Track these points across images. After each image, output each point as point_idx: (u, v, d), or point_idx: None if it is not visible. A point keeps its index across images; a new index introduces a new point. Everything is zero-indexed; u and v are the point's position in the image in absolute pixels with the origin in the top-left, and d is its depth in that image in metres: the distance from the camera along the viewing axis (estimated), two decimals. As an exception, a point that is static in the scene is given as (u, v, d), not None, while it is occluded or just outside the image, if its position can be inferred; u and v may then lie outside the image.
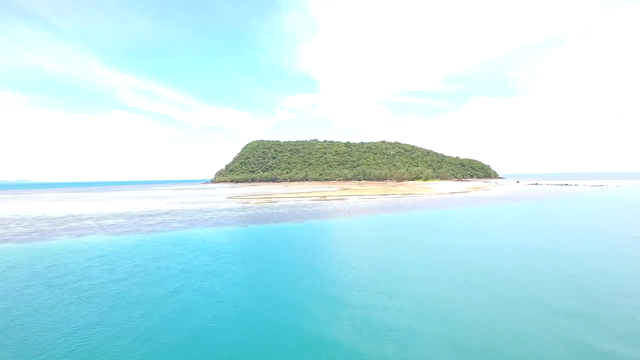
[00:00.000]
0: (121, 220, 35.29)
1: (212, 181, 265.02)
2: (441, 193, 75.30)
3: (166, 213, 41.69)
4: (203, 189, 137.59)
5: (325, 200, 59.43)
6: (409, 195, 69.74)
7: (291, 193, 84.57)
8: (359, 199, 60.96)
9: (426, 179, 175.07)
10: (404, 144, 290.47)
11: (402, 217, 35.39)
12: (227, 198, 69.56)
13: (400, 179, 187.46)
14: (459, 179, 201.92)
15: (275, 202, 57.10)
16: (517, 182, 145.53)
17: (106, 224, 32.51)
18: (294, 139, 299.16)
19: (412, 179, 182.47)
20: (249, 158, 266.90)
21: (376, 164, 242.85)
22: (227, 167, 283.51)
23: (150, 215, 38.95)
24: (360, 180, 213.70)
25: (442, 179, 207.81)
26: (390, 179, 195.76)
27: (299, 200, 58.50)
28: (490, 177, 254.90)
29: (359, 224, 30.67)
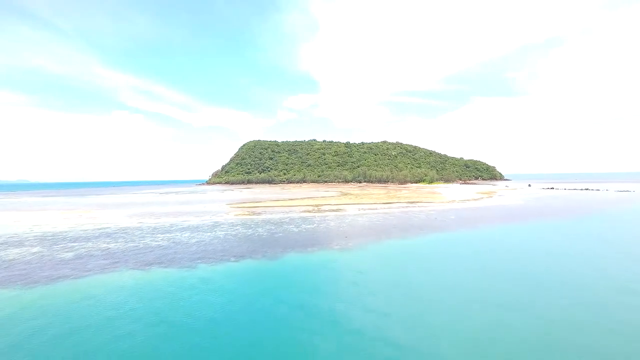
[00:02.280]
0: (21, 250, 25.79)
1: (207, 182, 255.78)
2: (452, 201, 65.79)
3: (112, 233, 32.24)
4: (192, 192, 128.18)
5: (318, 211, 49.92)
6: (416, 203, 60.24)
7: (283, 200, 75.09)
8: (359, 209, 51.43)
9: (430, 181, 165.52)
10: (406, 145, 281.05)
11: (418, 245, 25.90)
12: (204, 207, 60.13)
13: (403, 182, 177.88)
14: (465, 181, 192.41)
15: (258, 214, 47.61)
16: (529, 185, 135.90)
17: None
18: (292, 139, 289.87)
19: (416, 182, 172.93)
20: (245, 159, 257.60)
21: (377, 165, 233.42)
22: (223, 168, 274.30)
23: (83, 240, 29.46)
24: (360, 182, 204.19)
25: (446, 181, 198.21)
26: (392, 181, 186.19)
27: (288, 212, 49.01)
28: (496, 179, 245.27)
29: (359, 262, 21.19)
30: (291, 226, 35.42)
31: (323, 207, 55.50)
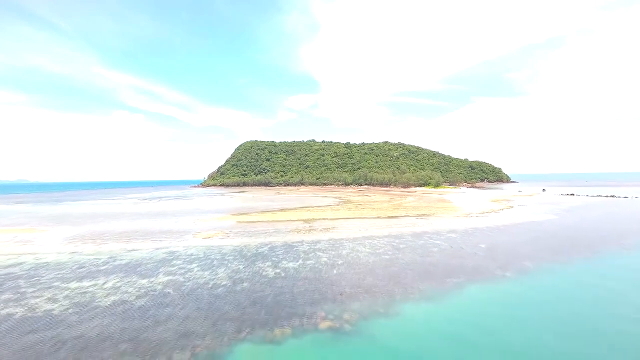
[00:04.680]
0: None
1: (202, 184, 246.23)
2: (469, 214, 56.03)
3: (3, 279, 22.51)
4: (178, 197, 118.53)
5: (309, 231, 40.15)
6: (427, 217, 50.40)
7: (272, 211, 65.30)
8: (359, 229, 41.66)
9: (436, 185, 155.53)
10: (408, 145, 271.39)
11: (452, 318, 16.12)
12: (175, 222, 50.36)
13: (406, 185, 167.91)
14: (472, 184, 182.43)
15: (233, 236, 37.85)
16: (543, 190, 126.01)
17: None
18: (291, 140, 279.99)
19: (420, 185, 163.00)
20: (241, 160, 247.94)
21: (379, 167, 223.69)
22: (218, 169, 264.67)
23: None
24: (361, 185, 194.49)
25: (451, 184, 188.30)
26: (394, 184, 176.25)
27: (271, 233, 39.27)
28: (503, 181, 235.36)
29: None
30: (266, 265, 25.59)
31: (316, 225, 45.68)
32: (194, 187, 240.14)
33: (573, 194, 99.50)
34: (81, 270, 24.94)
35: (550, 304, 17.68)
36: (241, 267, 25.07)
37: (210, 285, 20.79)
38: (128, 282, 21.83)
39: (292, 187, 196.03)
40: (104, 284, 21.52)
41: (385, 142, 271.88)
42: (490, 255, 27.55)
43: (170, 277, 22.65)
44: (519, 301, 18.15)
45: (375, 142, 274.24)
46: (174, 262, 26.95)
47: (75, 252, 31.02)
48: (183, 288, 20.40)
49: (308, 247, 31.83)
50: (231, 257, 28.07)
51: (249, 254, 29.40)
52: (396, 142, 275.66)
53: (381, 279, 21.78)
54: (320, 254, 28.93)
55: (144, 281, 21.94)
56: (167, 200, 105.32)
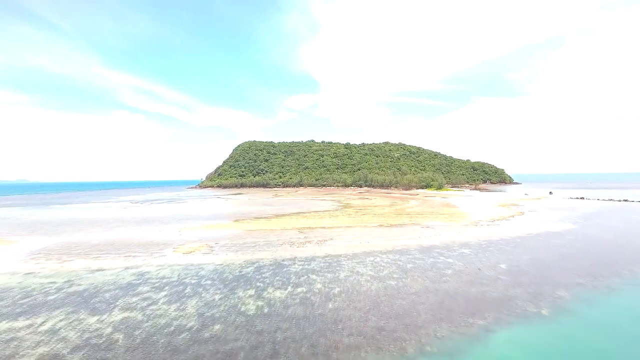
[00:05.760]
0: None
1: (199, 185, 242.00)
2: (478, 222, 51.78)
3: None
4: (171, 200, 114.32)
5: (304, 243, 35.84)
6: (431, 226, 46.12)
7: (266, 218, 61.00)
8: (359, 243, 37.37)
9: (438, 187, 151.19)
10: (409, 146, 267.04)
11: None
12: (158, 231, 46.06)
13: (408, 187, 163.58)
14: (475, 186, 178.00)
15: (218, 252, 33.57)
16: (550, 193, 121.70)
17: None
18: (290, 140, 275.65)
19: (422, 187, 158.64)
20: (239, 161, 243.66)
21: (379, 168, 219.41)
22: (216, 170, 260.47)
23: None
24: (361, 186, 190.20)
25: (454, 185, 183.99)
26: (395, 186, 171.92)
27: (261, 247, 34.99)
28: (506, 183, 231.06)
29: None
30: (248, 294, 21.26)
31: (312, 235, 41.36)
32: (191, 188, 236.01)
33: (583, 198, 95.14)
34: (24, 301, 20.64)
35: (608, 352, 13.40)
36: (217, 297, 20.75)
37: (172, 329, 16.47)
38: (72, 322, 17.52)
39: (291, 189, 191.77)
40: (41, 324, 17.22)
41: (386, 143, 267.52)
42: (515, 281, 23.22)
43: (126, 314, 18.33)
44: (567, 353, 13.87)
45: (376, 142, 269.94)
46: (140, 288, 22.64)
47: (30, 273, 26.74)
48: (137, 334, 16.07)
49: (300, 267, 27.53)
50: (208, 282, 23.76)
51: (230, 277, 25.09)
52: (397, 142, 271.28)
53: (387, 318, 17.47)
54: (314, 277, 24.62)
55: (92, 320, 17.63)
56: (159, 203, 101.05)
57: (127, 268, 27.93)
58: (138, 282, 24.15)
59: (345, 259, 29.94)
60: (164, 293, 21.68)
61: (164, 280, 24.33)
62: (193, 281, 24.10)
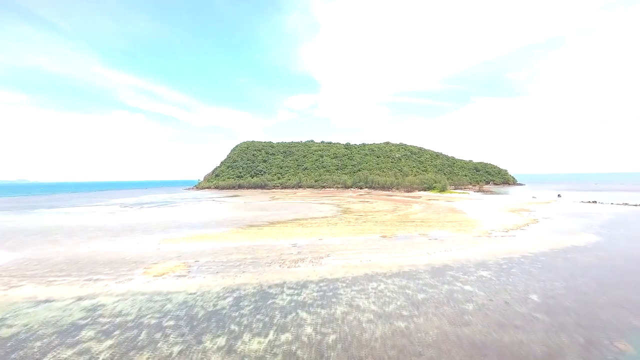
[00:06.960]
0: None
1: (196, 186, 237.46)
2: (490, 233, 47.08)
3: None
4: (163, 204, 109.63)
5: (295, 262, 31.07)
6: (440, 238, 41.36)
7: (258, 225, 56.20)
8: (360, 262, 32.61)
9: (442, 189, 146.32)
10: (410, 146, 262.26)
11: None
12: (137, 243, 41.32)
13: (410, 189, 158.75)
14: (479, 187, 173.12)
15: (194, 274, 28.80)
16: (559, 195, 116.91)
17: None
18: (289, 140, 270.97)
19: (424, 189, 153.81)
20: (237, 161, 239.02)
21: (380, 169, 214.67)
22: (214, 170, 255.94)
23: None
24: (361, 188, 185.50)
25: (457, 187, 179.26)
26: (397, 188, 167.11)
27: (247, 265, 30.23)
28: (509, 184, 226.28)
29: None
30: (216, 346, 16.46)
31: (306, 251, 36.59)
32: (187, 189, 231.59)
33: (595, 202, 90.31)
34: None
35: None
36: (175, 351, 15.99)
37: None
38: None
39: (289, 191, 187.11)
40: None
41: (387, 143, 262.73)
42: (556, 324, 18.43)
43: (45, 383, 13.58)
44: None
45: (376, 142, 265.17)
46: (83, 334, 17.89)
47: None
48: None
49: (289, 297, 22.77)
50: (171, 324, 19.00)
51: (200, 314, 20.33)
52: (398, 142, 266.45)
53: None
54: (304, 316, 19.83)
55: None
56: (149, 207, 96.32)
57: (80, 299, 23.18)
58: (84, 322, 19.39)
59: (343, 285, 25.18)
60: (109, 343, 16.91)
61: (117, 320, 19.55)
62: (153, 321, 19.33)
